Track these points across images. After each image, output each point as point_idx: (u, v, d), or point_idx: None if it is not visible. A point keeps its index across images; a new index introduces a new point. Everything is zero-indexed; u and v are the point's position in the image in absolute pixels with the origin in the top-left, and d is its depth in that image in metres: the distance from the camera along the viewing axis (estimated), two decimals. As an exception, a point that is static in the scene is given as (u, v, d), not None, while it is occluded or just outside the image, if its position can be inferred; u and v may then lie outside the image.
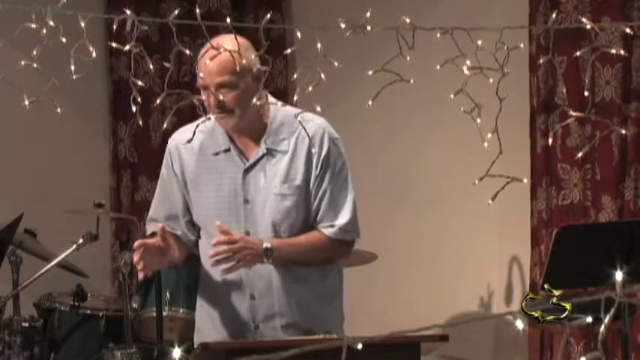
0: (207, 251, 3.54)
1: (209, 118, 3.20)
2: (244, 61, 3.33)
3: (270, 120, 3.52)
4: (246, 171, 3.52)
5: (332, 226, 3.53)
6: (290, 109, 3.54)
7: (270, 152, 3.51)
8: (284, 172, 3.51)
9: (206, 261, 3.58)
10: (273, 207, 3.51)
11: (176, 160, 3.58)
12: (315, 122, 3.54)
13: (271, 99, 3.55)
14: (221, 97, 3.39)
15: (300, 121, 3.41)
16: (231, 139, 3.54)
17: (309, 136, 3.46)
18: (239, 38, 3.26)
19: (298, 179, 3.52)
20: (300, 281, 3.57)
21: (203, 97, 3.43)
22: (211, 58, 3.22)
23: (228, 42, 3.17)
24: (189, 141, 3.42)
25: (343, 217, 3.53)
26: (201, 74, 3.42)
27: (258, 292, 3.54)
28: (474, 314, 5.97)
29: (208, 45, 3.13)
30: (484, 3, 5.84)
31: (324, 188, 3.53)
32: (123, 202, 6.39)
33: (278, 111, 3.53)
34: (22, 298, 5.05)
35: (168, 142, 3.64)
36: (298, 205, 3.52)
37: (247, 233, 3.50)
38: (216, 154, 3.55)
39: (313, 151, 3.49)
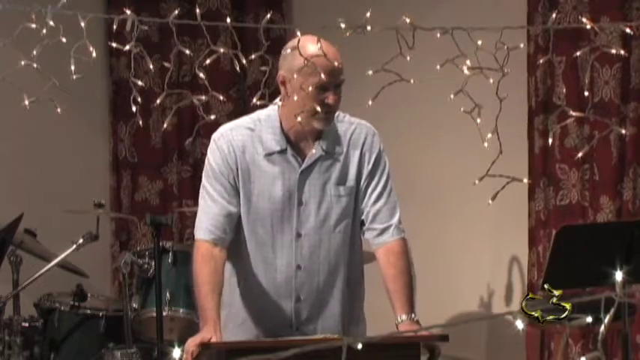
0: (251, 250, 3.55)
1: (211, 119, 3.18)
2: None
3: None
4: (302, 173, 3.52)
5: (389, 226, 3.56)
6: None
7: (326, 154, 3.53)
8: (339, 173, 3.55)
9: (250, 259, 3.57)
10: (330, 208, 3.54)
11: (230, 156, 3.51)
12: (364, 123, 3.63)
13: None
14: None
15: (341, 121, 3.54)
16: (288, 141, 3.53)
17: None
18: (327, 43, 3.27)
19: (352, 180, 3.56)
20: (346, 285, 3.61)
21: (313, 96, 3.38)
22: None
23: (311, 45, 3.16)
24: (190, 140, 3.39)
25: (396, 215, 3.59)
26: (327, 71, 3.32)
27: (305, 295, 3.56)
28: (473, 314, 5.97)
29: (323, 44, 3.15)
30: (484, 3, 5.84)
31: (376, 186, 3.58)
32: (123, 202, 6.39)
33: None
34: (22, 298, 5.05)
35: (217, 138, 3.55)
36: (351, 205, 3.57)
37: (299, 235, 3.52)
38: (270, 154, 3.51)
39: (365, 151, 3.56)
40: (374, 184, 3.57)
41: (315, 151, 3.52)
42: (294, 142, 3.52)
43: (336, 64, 3.31)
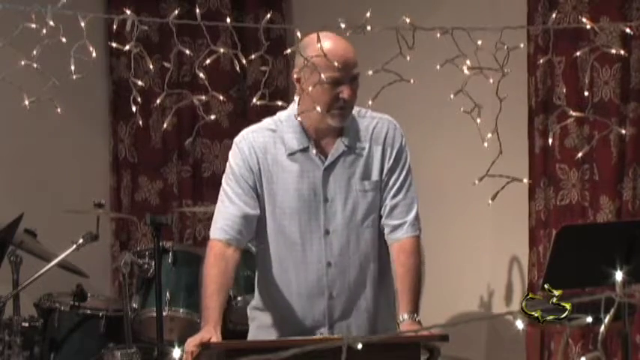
0: (279, 251, 3.55)
1: (211, 119, 3.18)
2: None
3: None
4: (327, 169, 3.51)
5: (404, 223, 3.54)
6: (357, 108, 3.54)
7: (348, 150, 3.52)
8: (363, 168, 3.54)
9: (278, 261, 3.57)
10: (356, 204, 3.53)
11: (251, 158, 3.51)
12: (386, 118, 3.62)
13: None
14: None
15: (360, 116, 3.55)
16: (310, 139, 3.52)
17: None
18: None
19: (375, 174, 3.55)
20: (377, 281, 3.60)
21: (326, 90, 3.37)
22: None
23: (339, 39, 3.16)
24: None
25: (412, 212, 3.57)
26: (340, 65, 3.31)
27: (337, 291, 3.55)
28: (474, 314, 5.97)
29: (333, 39, 3.20)
30: (483, 3, 5.84)
31: (396, 180, 3.56)
32: (123, 202, 6.39)
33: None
34: (22, 298, 5.05)
35: (239, 140, 3.55)
36: (377, 200, 3.56)
37: (327, 232, 3.52)
38: (292, 153, 3.51)
39: (387, 145, 3.56)
40: (394, 179, 3.56)
41: (337, 147, 3.52)
42: (316, 140, 3.52)
43: (334, 63, 3.27)
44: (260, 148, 3.51)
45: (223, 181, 3.57)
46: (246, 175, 3.51)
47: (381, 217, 3.57)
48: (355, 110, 3.53)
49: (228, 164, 3.57)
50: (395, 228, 3.55)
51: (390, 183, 3.56)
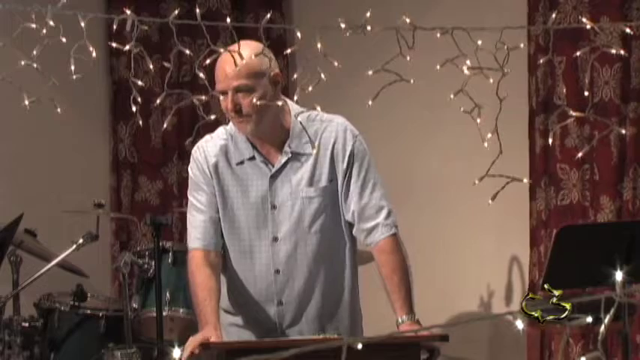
0: (233, 257, 3.59)
1: (211, 119, 3.19)
2: (261, 65, 3.39)
3: (291, 125, 3.53)
4: (273, 177, 3.53)
5: (376, 225, 3.53)
6: (307, 112, 3.54)
7: (294, 156, 3.53)
8: (309, 174, 3.54)
9: (233, 266, 3.60)
10: (302, 210, 3.53)
11: (206, 166, 3.57)
12: (335, 121, 3.59)
13: (291, 104, 3.56)
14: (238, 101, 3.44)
15: (311, 122, 3.54)
16: (254, 147, 3.54)
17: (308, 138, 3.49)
18: (254, 43, 3.26)
19: (324, 180, 3.54)
20: (329, 285, 3.60)
21: (222, 101, 3.45)
22: (225, 61, 3.29)
23: (244, 47, 3.18)
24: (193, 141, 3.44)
25: (383, 211, 3.54)
26: (219, 78, 3.42)
27: (286, 298, 3.57)
28: (474, 314, 5.97)
29: (225, 51, 3.20)
30: (483, 3, 5.84)
31: (355, 184, 3.54)
32: (123, 202, 6.39)
33: (298, 115, 3.53)
34: (22, 298, 5.05)
35: (194, 151, 3.62)
36: (326, 206, 3.55)
37: (275, 239, 3.54)
38: (241, 162, 3.55)
39: (337, 150, 3.54)
40: (353, 182, 3.55)
41: (283, 154, 3.53)
42: (262, 148, 3.55)
43: (225, 68, 3.36)
44: (212, 157, 3.57)
45: (188, 193, 3.64)
46: (204, 182, 3.57)
47: (333, 220, 3.56)
48: (305, 114, 3.52)
49: (189, 176, 3.63)
50: (369, 232, 3.55)
51: (351, 188, 3.55)
